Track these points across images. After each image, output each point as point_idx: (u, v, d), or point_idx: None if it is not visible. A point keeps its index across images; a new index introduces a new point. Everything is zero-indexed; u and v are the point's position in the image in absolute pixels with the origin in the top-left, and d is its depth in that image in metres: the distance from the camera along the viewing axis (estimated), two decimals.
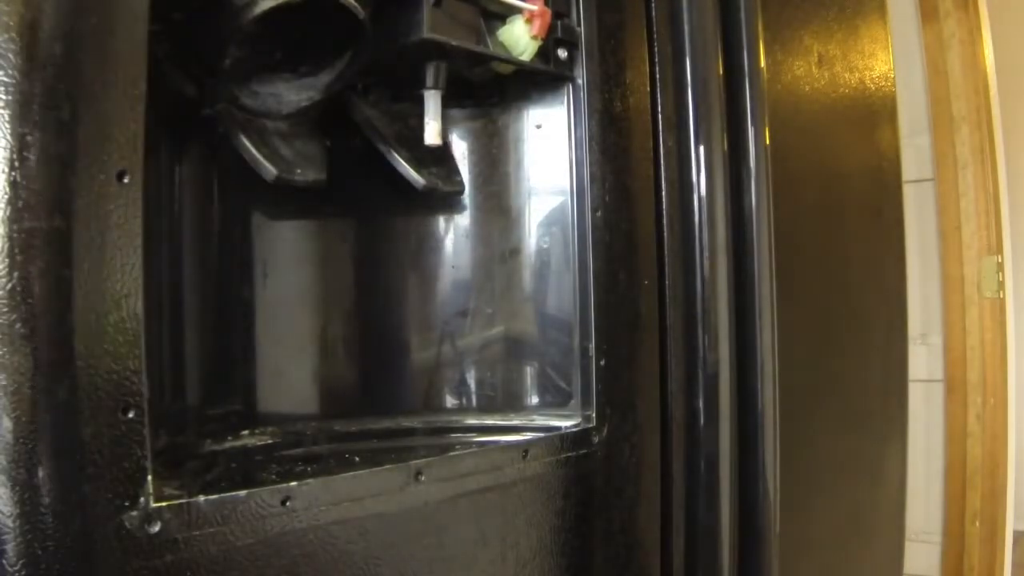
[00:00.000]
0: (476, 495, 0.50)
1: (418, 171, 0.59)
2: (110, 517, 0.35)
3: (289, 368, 0.68)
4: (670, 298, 0.69)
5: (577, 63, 0.61)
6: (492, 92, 0.65)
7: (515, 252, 0.67)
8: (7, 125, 0.33)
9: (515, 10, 0.57)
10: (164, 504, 0.37)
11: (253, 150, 0.51)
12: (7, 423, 0.33)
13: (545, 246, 0.65)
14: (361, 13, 0.48)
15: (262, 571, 0.41)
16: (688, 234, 0.71)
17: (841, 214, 0.99)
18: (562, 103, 0.62)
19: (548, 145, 0.64)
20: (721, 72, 0.71)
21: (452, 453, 0.51)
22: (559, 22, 0.60)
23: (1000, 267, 2.14)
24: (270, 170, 0.51)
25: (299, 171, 0.52)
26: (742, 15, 0.74)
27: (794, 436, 0.81)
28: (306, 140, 0.54)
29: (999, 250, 2.08)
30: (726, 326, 0.72)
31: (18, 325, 0.33)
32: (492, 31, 0.57)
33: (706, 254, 0.71)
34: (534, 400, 0.67)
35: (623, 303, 0.63)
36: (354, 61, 0.51)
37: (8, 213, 0.33)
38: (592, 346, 0.59)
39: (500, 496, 0.52)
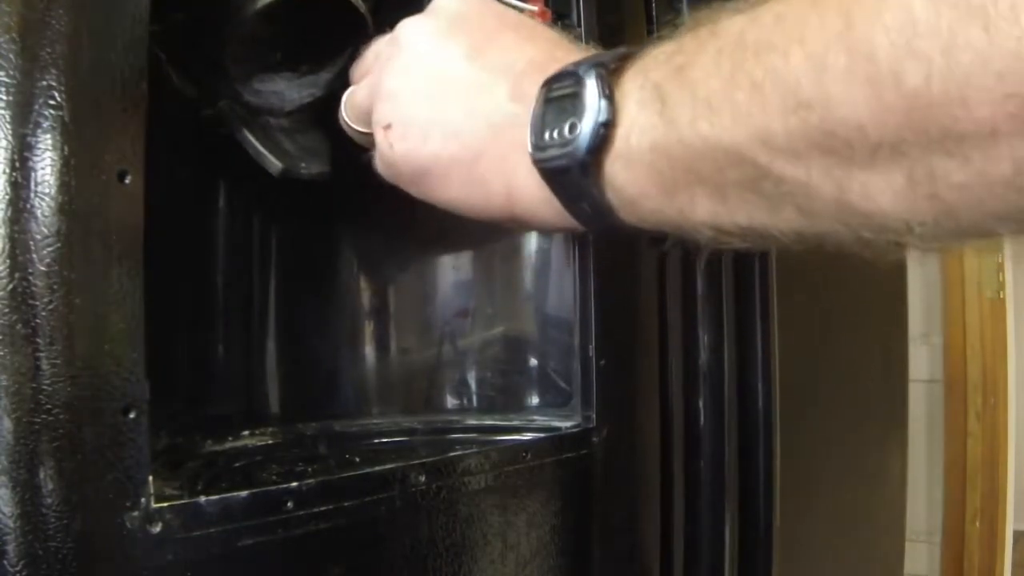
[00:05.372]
0: (476, 495, 0.50)
1: None
2: (111, 517, 0.35)
3: (289, 368, 0.68)
4: (670, 298, 0.69)
5: None
6: None
7: (515, 252, 0.67)
8: (7, 125, 0.33)
9: (516, 10, 0.57)
10: (165, 504, 0.37)
11: (257, 144, 0.51)
12: (8, 423, 0.33)
13: (545, 246, 0.65)
14: (363, 7, 0.48)
15: (262, 571, 0.41)
16: None
17: None
18: None
19: None
20: None
21: (452, 453, 0.51)
22: (560, 23, 0.60)
23: (1000, 267, 2.14)
24: (276, 164, 0.50)
25: (304, 165, 0.52)
26: None
27: (794, 436, 0.81)
28: (309, 135, 0.54)
29: (999, 250, 2.08)
30: (726, 326, 0.72)
31: (19, 326, 0.33)
32: None
33: (706, 253, 0.71)
34: (534, 400, 0.67)
35: (623, 303, 0.63)
36: (355, 58, 0.51)
37: (8, 214, 0.33)
38: (592, 346, 0.59)
39: (500, 496, 0.52)
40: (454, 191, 0.42)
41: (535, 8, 0.57)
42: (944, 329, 2.17)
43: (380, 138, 0.42)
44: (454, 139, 0.40)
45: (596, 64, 0.35)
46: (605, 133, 0.34)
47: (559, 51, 0.40)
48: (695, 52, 0.32)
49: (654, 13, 0.69)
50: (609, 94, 0.34)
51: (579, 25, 0.61)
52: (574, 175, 0.35)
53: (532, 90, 0.37)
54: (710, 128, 0.31)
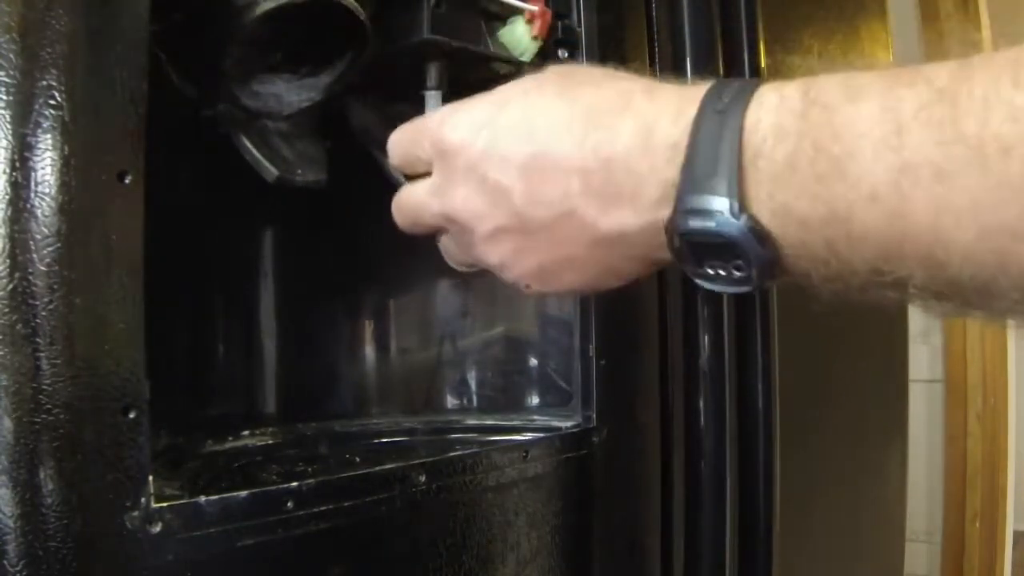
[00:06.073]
0: (476, 495, 0.50)
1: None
2: (111, 517, 0.35)
3: (289, 368, 0.68)
4: (670, 298, 0.69)
5: (577, 63, 0.61)
6: None
7: None
8: (7, 125, 0.33)
9: (516, 11, 0.57)
10: (165, 504, 0.37)
11: (254, 151, 0.51)
12: (8, 423, 0.33)
13: None
14: (362, 14, 0.48)
15: (262, 571, 0.41)
16: None
17: None
18: None
19: None
20: (722, 72, 0.71)
21: (452, 453, 0.51)
22: (560, 23, 0.60)
23: None
24: (271, 171, 0.51)
25: (300, 171, 0.52)
26: (743, 15, 0.74)
27: (794, 436, 0.81)
28: (307, 141, 0.54)
29: None
30: (726, 326, 0.72)
31: (19, 326, 0.33)
32: (492, 32, 0.57)
33: None
34: (534, 400, 0.67)
35: (623, 303, 0.63)
36: (355, 62, 0.51)
37: (8, 213, 0.33)
38: (592, 346, 0.59)
39: (500, 496, 0.52)
40: (611, 285, 0.43)
41: (535, 8, 0.57)
42: (944, 329, 2.17)
43: (526, 290, 0.44)
44: (586, 267, 0.41)
45: (733, 210, 0.33)
46: (775, 268, 0.35)
47: (594, 131, 0.38)
48: (828, 177, 0.31)
49: (654, 14, 0.69)
50: (765, 238, 0.33)
51: (579, 25, 0.61)
52: (745, 294, 0.37)
53: (620, 205, 0.37)
54: (875, 266, 0.31)
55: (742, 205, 0.33)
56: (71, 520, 0.34)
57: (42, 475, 0.33)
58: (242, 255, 0.67)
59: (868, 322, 1.07)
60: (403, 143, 0.47)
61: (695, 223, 0.34)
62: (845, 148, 0.30)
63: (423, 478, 0.47)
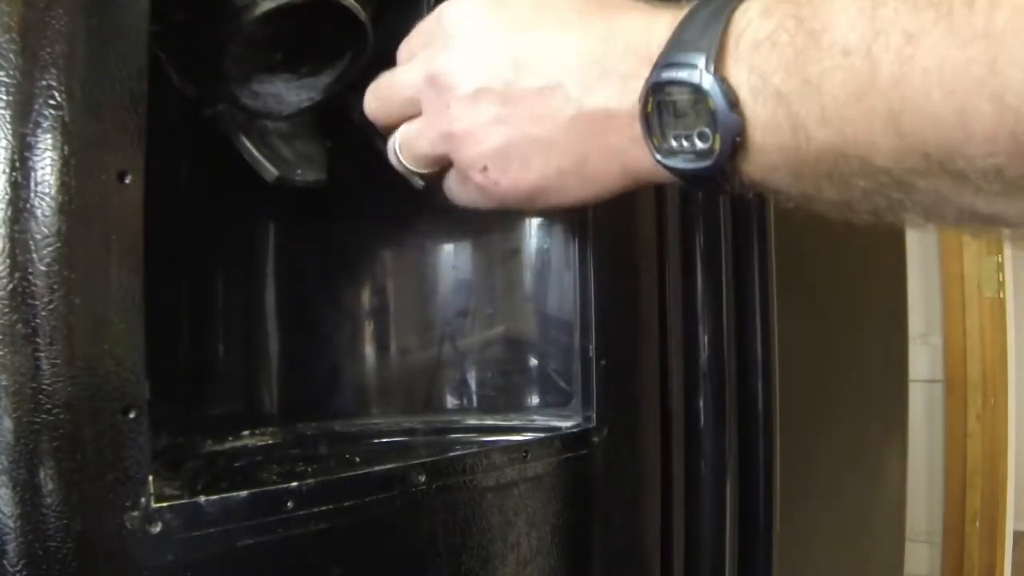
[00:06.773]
0: (476, 495, 0.50)
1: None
2: (111, 518, 0.35)
3: (289, 368, 0.68)
4: (670, 298, 0.69)
5: None
6: None
7: (515, 252, 0.67)
8: (7, 125, 0.33)
9: None
10: (165, 504, 0.37)
11: (254, 151, 0.51)
12: (8, 423, 0.33)
13: (545, 246, 0.65)
14: (362, 14, 0.48)
15: (262, 571, 0.41)
16: (688, 232, 0.71)
17: None
18: None
19: None
20: None
21: (452, 453, 0.51)
22: None
23: (1000, 267, 2.14)
24: (271, 171, 0.51)
25: (299, 172, 0.52)
26: None
27: (794, 436, 0.81)
28: (307, 141, 0.54)
29: (999, 250, 2.08)
30: (726, 326, 0.72)
31: (19, 326, 0.33)
32: None
33: (706, 252, 0.71)
34: (534, 400, 0.67)
35: (623, 303, 0.63)
36: (355, 62, 0.51)
37: (8, 213, 0.33)
38: (592, 346, 0.59)
39: (500, 496, 0.52)
40: (572, 195, 0.42)
41: None
42: (944, 329, 2.18)
43: (480, 180, 0.43)
44: (555, 154, 0.40)
45: (708, 66, 0.34)
46: (740, 142, 0.34)
47: (600, 20, 0.39)
48: (805, 49, 0.32)
49: None
50: (735, 102, 0.34)
51: None
52: (706, 175, 0.36)
53: (610, 82, 0.37)
54: (843, 140, 0.31)
55: (718, 66, 0.34)
56: (71, 520, 0.34)
57: (42, 475, 0.33)
58: (242, 255, 0.67)
59: (868, 322, 1.07)
60: (410, 38, 0.47)
61: (668, 73, 0.35)
62: (822, 22, 0.32)
63: (423, 478, 0.47)
